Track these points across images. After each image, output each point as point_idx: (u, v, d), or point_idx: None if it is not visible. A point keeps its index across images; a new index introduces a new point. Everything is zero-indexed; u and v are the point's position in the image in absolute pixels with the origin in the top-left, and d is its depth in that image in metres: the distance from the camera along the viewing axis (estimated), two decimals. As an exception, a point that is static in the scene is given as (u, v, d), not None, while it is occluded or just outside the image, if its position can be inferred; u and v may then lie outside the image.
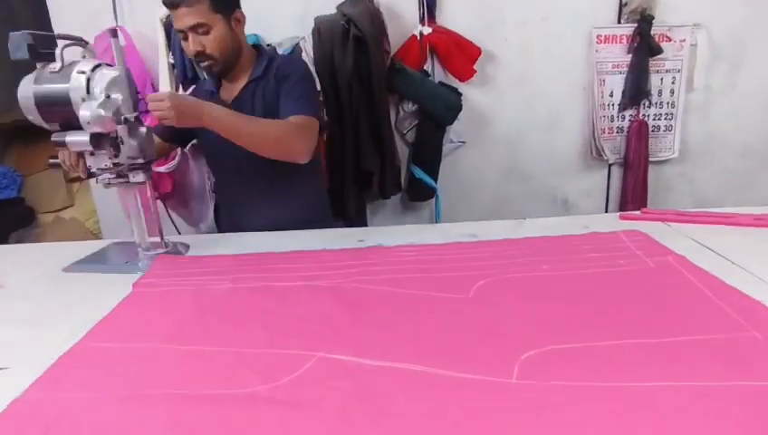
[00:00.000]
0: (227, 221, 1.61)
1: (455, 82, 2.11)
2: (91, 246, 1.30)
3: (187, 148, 1.71)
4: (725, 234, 1.17)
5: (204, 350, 0.79)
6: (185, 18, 1.29)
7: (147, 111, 1.22)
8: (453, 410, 0.63)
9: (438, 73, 2.13)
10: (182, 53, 1.88)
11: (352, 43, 1.89)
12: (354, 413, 0.63)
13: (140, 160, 1.16)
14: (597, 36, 2.11)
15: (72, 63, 1.09)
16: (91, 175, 1.16)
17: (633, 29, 2.08)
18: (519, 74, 2.16)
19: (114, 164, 1.13)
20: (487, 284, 0.97)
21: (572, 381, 0.67)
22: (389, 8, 2.02)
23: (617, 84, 2.17)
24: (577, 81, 2.18)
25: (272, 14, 2.01)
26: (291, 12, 2.03)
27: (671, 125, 2.22)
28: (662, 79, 2.17)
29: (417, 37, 2.03)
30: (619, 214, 1.36)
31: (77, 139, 1.08)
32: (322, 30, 1.93)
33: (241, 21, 1.40)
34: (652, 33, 2.07)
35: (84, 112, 1.04)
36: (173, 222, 1.80)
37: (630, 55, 2.12)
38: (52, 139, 1.10)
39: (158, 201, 2.07)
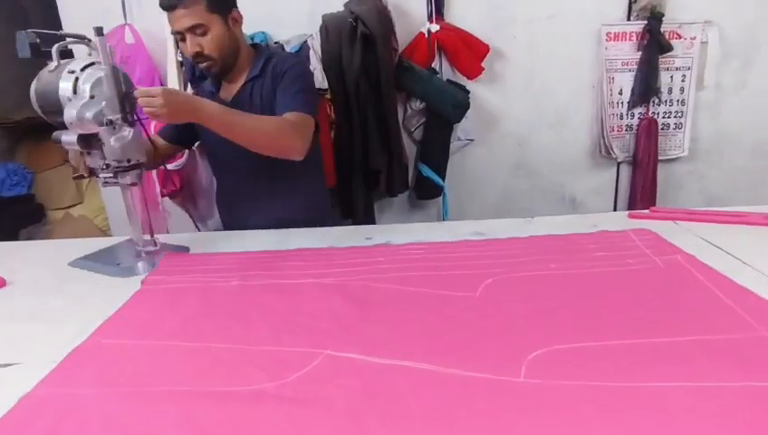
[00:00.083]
0: (229, 220, 1.61)
1: (462, 80, 2.11)
2: (99, 243, 1.31)
3: (195, 146, 1.71)
4: (736, 233, 1.16)
5: (212, 347, 0.80)
6: (182, 20, 1.28)
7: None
8: (460, 408, 0.63)
9: (446, 71, 2.12)
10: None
11: (360, 41, 1.89)
12: (362, 411, 0.63)
13: (125, 164, 1.11)
14: (606, 34, 2.10)
15: (67, 63, 1.08)
16: (92, 173, 1.16)
17: (643, 26, 2.07)
18: (527, 72, 2.15)
19: (106, 165, 1.10)
20: (495, 282, 0.97)
21: (580, 381, 0.66)
22: (397, 6, 2.02)
23: (626, 82, 2.16)
24: (586, 78, 2.17)
25: (279, 12, 2.02)
26: (298, 9, 2.03)
27: (681, 123, 2.21)
28: (672, 76, 2.16)
29: (424, 35, 2.03)
30: (627, 212, 1.36)
31: (68, 138, 1.08)
32: (330, 28, 1.94)
33: (238, 20, 1.39)
34: (662, 30, 2.06)
35: (68, 113, 1.03)
36: (191, 216, 1.84)
37: (640, 53, 2.11)
38: (52, 136, 1.11)
39: (167, 198, 2.10)
